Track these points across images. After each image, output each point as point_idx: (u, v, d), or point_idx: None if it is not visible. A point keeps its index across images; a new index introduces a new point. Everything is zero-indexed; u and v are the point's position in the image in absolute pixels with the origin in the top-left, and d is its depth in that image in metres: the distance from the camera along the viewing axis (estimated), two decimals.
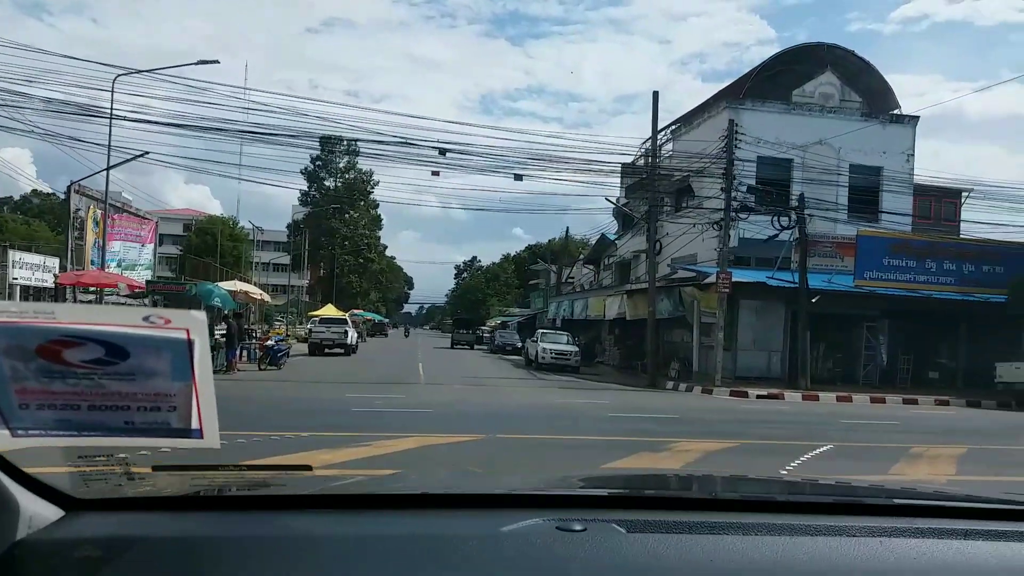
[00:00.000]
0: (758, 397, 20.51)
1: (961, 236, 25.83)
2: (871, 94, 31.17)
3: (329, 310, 54.26)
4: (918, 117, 30.76)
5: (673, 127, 33.89)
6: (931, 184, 31.09)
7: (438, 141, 22.18)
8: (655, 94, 24.45)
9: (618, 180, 35.02)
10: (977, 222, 41.07)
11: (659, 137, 27.47)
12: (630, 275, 36.60)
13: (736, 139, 22.94)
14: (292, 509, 1.46)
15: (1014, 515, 1.58)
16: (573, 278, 52.80)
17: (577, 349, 30.07)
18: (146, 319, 1.12)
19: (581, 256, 53.74)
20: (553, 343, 29.88)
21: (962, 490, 2.14)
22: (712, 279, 22.61)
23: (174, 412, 1.14)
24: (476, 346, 51.38)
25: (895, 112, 30.81)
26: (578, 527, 1.33)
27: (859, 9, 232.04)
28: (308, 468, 1.97)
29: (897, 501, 1.75)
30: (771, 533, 1.36)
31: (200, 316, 1.15)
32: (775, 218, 23.81)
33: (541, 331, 32.76)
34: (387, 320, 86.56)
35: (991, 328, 24.70)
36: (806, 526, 1.40)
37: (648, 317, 24.76)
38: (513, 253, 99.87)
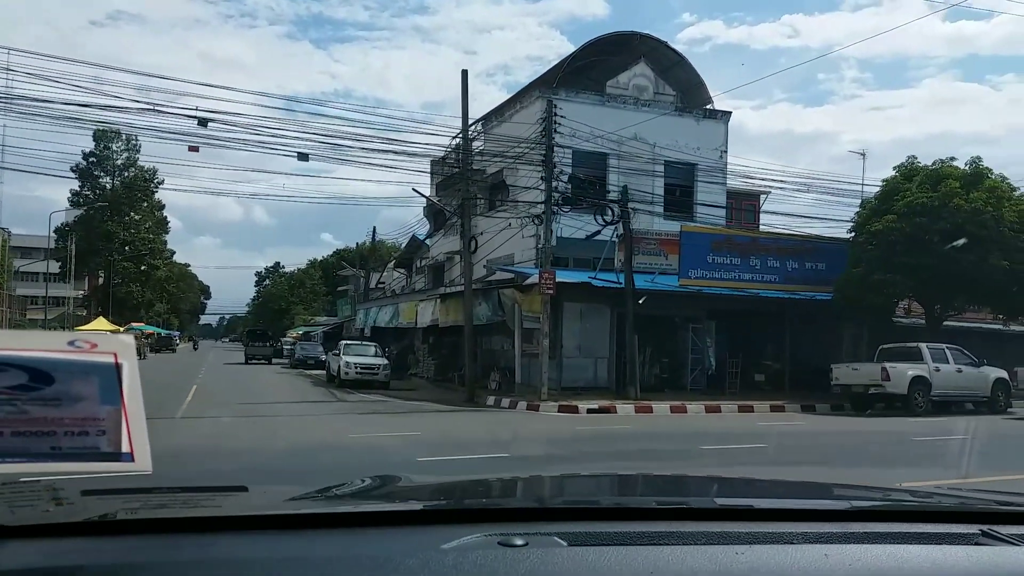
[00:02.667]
0: (589, 412, 18.06)
1: (782, 232, 25.03)
2: (685, 88, 30.13)
3: (100, 324, 47.00)
4: (730, 113, 30.09)
5: (484, 120, 31.28)
6: (732, 187, 30.46)
7: (196, 108, 17.79)
8: (464, 73, 21.58)
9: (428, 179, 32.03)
10: (774, 224, 42.01)
11: (470, 131, 24.76)
12: (444, 278, 33.59)
13: (554, 124, 20.48)
14: (226, 531, 1.42)
15: (945, 517, 1.62)
16: (384, 283, 49.14)
17: (386, 362, 26.60)
18: (71, 343, 1.16)
19: (392, 259, 50.16)
20: (358, 356, 26.20)
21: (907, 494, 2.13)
22: (534, 279, 20.00)
23: (103, 436, 1.16)
24: (275, 360, 46.33)
25: (708, 107, 29.97)
26: (519, 542, 1.31)
27: (650, 28, 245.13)
28: (244, 489, 1.90)
29: (835, 506, 1.77)
30: (711, 542, 1.37)
31: (128, 340, 1.20)
32: (597, 214, 21.66)
33: (344, 343, 28.89)
34: (178, 333, 78.49)
35: (817, 327, 23.97)
36: (746, 533, 1.42)
37: (464, 323, 21.79)
38: (320, 258, 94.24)
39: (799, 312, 24.06)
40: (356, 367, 25.05)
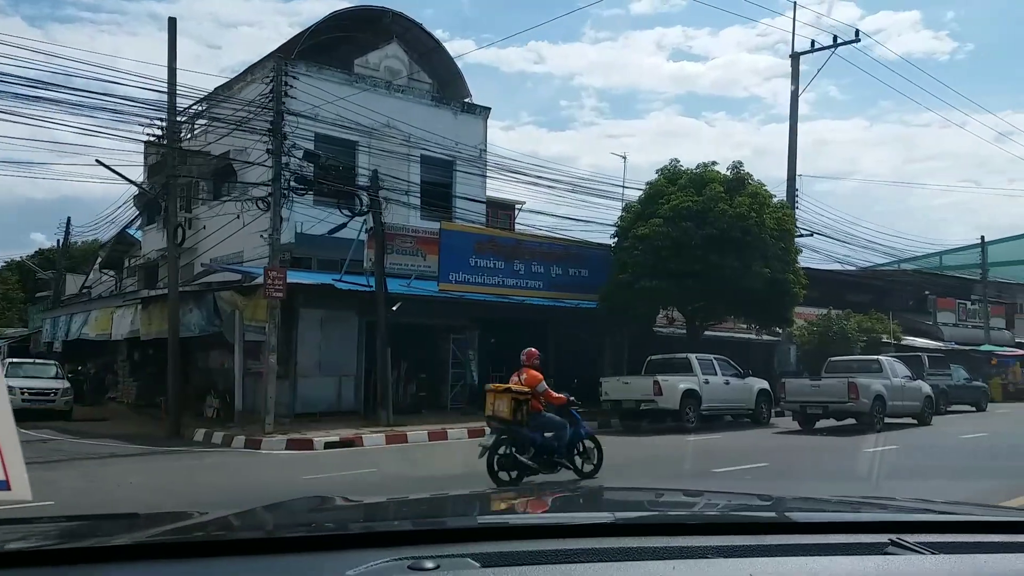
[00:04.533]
0: (327, 446, 14.51)
1: (547, 234, 23.14)
2: (443, 78, 27.53)
3: None
4: (489, 109, 27.91)
5: (209, 97, 26.40)
6: (490, 197, 28.39)
7: None
8: (171, 21, 17.05)
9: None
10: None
11: (193, 109, 20.19)
12: (157, 280, 28.02)
13: (285, 88, 16.68)
14: (116, 560, 1.37)
15: (854, 528, 1.63)
16: (90, 287, 41.42)
17: (67, 385, 21.02)
18: None
19: (100, 258, 42.48)
20: (28, 378, 20.36)
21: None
22: (260, 280, 16.06)
23: None
24: None
25: (467, 100, 27.62)
26: (430, 564, 1.30)
27: None
28: (135, 516, 1.88)
29: (752, 518, 1.79)
30: (627, 558, 1.36)
31: None
32: (342, 204, 18.20)
33: (10, 361, 22.60)
34: None
35: (580, 337, 22.28)
36: (662, 548, 1.41)
37: (169, 335, 17.21)
38: (20, 258, 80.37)
39: (563, 321, 22.26)
40: (23, 392, 19.30)
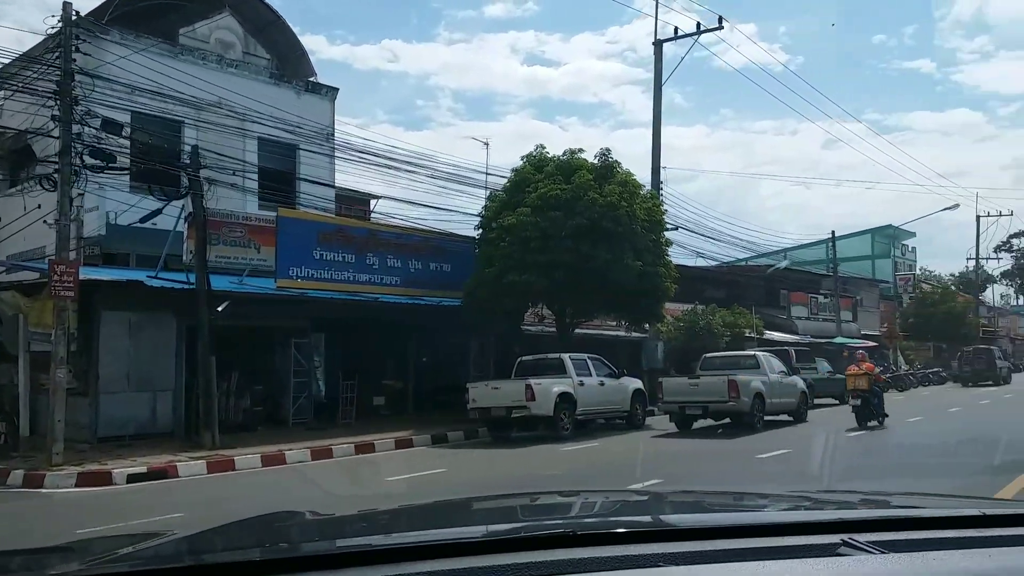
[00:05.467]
0: (131, 479, 11.70)
1: (404, 224, 20.90)
2: (283, 55, 24.70)
3: None
4: (337, 90, 25.34)
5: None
6: (341, 188, 25.81)
7: None
8: None
9: None
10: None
11: None
12: None
13: (76, 46, 13.62)
14: None
15: (805, 529, 1.59)
16: None
17: None
18: None
19: None
20: None
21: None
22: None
23: None
24: None
25: (312, 80, 24.97)
26: None
27: None
28: (69, 549, 1.84)
29: (697, 523, 1.72)
30: (574, 570, 1.34)
31: None
32: (154, 188, 15.28)
33: None
34: None
35: (442, 338, 20.25)
36: (610, 558, 1.37)
37: None
38: None
39: (425, 321, 20.14)
40: None
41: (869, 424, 16.02)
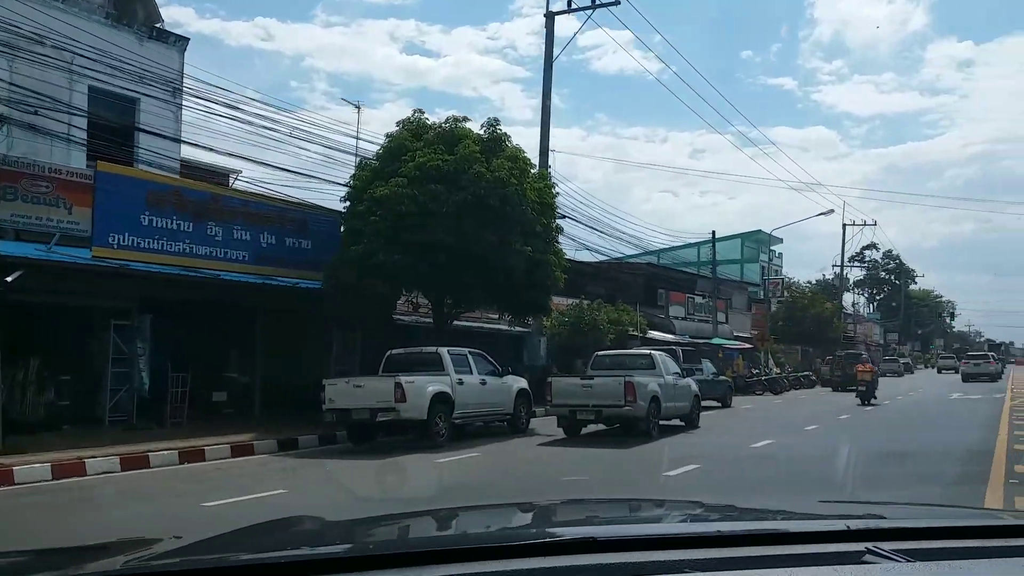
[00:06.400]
0: None
1: (257, 192, 18.00)
2: None
3: None
4: (187, 40, 21.95)
5: None
6: (195, 161, 22.44)
7: None
8: None
9: None
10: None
11: None
12: None
13: None
14: None
15: (830, 537, 1.59)
16: None
17: None
18: None
19: None
20: None
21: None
22: None
23: None
24: None
25: (158, 26, 21.53)
26: None
27: None
28: (104, 548, 1.85)
29: (723, 530, 1.69)
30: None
31: None
32: None
33: None
34: None
35: (300, 326, 17.52)
36: (634, 564, 1.40)
37: None
38: None
39: (277, 305, 17.36)
40: None
41: (872, 402, 24.19)
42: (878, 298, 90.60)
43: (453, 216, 15.85)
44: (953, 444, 13.78)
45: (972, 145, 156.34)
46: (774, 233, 56.08)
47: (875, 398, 24.71)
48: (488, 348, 19.92)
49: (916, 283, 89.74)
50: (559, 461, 12.22)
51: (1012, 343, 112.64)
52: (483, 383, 14.78)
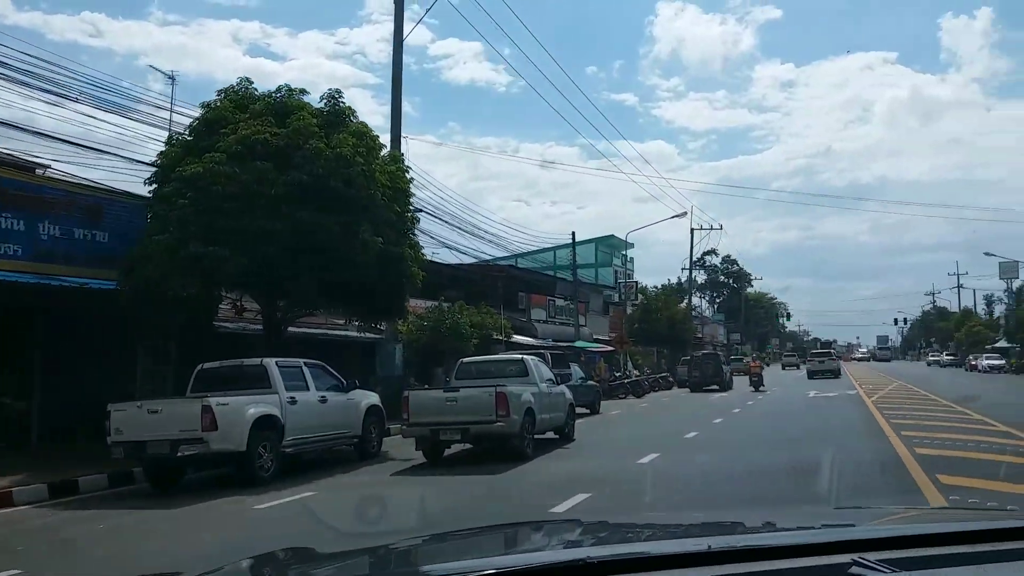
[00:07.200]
0: None
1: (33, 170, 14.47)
2: None
3: None
4: None
5: None
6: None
7: None
8: None
9: None
10: None
11: None
12: None
13: None
14: None
15: (814, 550, 1.59)
16: None
17: None
18: None
19: None
20: None
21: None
22: None
23: None
24: None
25: None
26: None
27: None
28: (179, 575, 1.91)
29: (699, 547, 1.63)
30: None
31: None
32: None
33: None
34: None
35: (93, 337, 14.09)
36: None
37: None
38: None
39: (64, 311, 13.92)
40: None
41: (760, 389, 31.96)
42: (718, 301, 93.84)
43: (284, 201, 13.14)
44: (854, 453, 12.65)
45: (795, 159, 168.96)
46: (628, 237, 56.17)
47: (763, 385, 33.56)
48: (334, 359, 17.19)
49: (753, 286, 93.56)
50: (417, 496, 9.82)
51: (835, 340, 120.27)
52: (323, 401, 12.12)
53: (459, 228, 26.38)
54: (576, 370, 22.81)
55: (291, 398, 11.41)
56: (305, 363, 12.33)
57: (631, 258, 65.46)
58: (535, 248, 42.38)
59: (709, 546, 1.61)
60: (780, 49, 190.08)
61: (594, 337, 41.03)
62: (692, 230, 56.40)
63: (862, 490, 8.60)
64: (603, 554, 1.60)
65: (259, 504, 9.17)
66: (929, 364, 75.85)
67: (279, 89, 15.23)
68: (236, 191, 13.09)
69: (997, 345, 60.08)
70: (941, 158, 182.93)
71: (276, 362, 11.67)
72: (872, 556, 1.46)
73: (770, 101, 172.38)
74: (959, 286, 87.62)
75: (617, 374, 34.52)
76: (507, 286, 34.62)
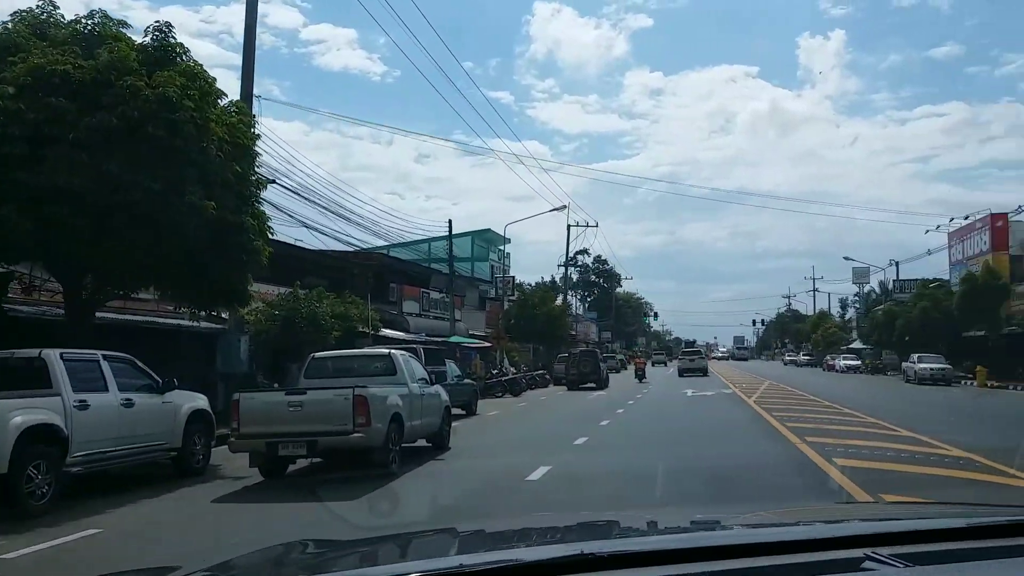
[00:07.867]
0: None
1: None
2: None
3: None
4: None
5: None
6: None
7: None
8: None
9: None
10: None
11: None
12: None
13: None
14: None
15: (826, 544, 1.55)
16: None
17: None
18: None
19: None
20: None
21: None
22: None
23: None
24: None
25: None
26: None
27: None
28: (175, 568, 1.78)
29: (713, 542, 1.66)
30: None
31: None
32: None
33: None
34: None
35: None
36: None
37: None
38: None
39: None
40: None
41: (644, 380, 37.92)
42: (589, 299, 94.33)
43: (86, 147, 10.30)
44: (764, 455, 11.34)
45: (660, 166, 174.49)
46: (506, 232, 54.74)
47: (645, 377, 39.44)
48: (167, 352, 14.35)
49: (622, 286, 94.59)
50: (236, 529, 7.37)
51: (696, 340, 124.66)
52: (127, 404, 9.39)
53: (325, 209, 23.54)
54: (452, 367, 20.66)
55: (80, 401, 8.65)
56: (104, 356, 9.53)
57: (507, 253, 64.25)
58: (410, 240, 39.98)
59: (717, 542, 1.65)
60: (650, 57, 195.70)
61: (470, 333, 39.08)
62: (568, 227, 55.65)
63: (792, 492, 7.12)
64: (607, 550, 1.53)
65: (12, 554, 6.48)
66: (785, 364, 78.81)
67: (91, 14, 12.26)
68: (23, 133, 10.17)
69: (852, 346, 62.67)
70: (797, 169, 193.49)
71: (61, 354, 8.85)
72: (885, 551, 1.44)
73: (639, 108, 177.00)
74: (815, 289, 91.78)
75: (494, 371, 32.67)
76: (378, 275, 31.99)
